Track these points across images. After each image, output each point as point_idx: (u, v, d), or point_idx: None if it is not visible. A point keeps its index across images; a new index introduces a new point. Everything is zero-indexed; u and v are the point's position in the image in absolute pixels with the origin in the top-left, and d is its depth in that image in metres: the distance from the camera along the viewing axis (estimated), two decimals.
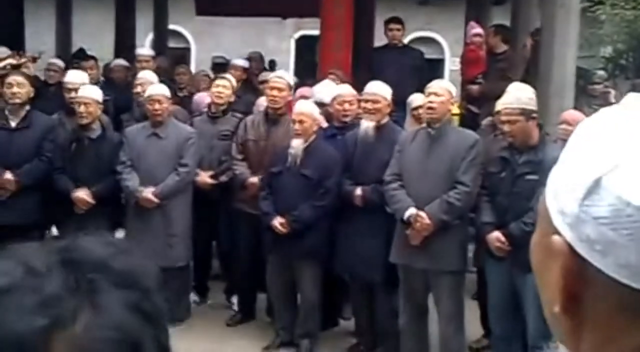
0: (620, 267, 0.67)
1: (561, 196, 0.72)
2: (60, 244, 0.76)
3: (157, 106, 5.74)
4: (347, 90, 5.85)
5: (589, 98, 8.27)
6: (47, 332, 0.68)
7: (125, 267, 0.75)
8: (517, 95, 4.77)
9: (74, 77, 6.57)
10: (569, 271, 0.71)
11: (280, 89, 5.75)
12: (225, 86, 6.16)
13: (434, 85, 5.07)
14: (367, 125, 5.26)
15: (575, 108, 7.14)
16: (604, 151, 0.70)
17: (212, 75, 8.27)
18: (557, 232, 0.72)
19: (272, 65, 12.42)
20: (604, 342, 0.72)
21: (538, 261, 0.76)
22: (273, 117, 5.79)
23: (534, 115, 4.67)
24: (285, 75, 6.16)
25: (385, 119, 5.36)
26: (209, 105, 6.27)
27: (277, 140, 5.69)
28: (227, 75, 6.63)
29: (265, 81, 6.53)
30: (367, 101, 5.33)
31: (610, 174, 0.68)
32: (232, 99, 6.25)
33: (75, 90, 6.05)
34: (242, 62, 8.49)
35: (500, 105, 4.87)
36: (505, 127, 4.70)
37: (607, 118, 0.73)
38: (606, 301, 0.70)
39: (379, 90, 5.36)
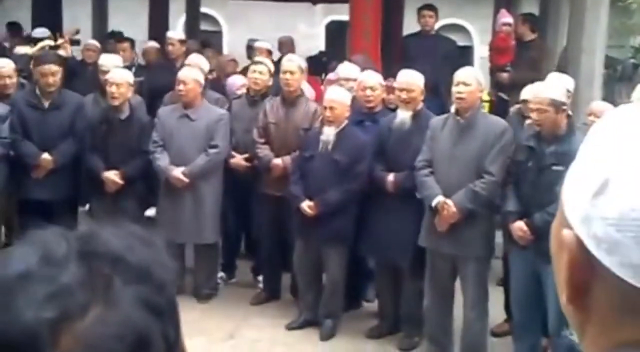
0: (624, 267, 0.69)
1: (574, 191, 0.73)
2: (82, 232, 0.76)
3: (181, 87, 5.82)
4: (369, 76, 5.82)
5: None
6: (55, 324, 0.68)
7: (141, 261, 0.74)
8: (550, 85, 4.77)
9: (108, 60, 6.70)
10: (576, 264, 0.73)
11: (292, 72, 5.83)
12: (261, 72, 6.19)
13: (462, 75, 5.01)
14: (403, 116, 5.26)
15: (605, 99, 7.13)
16: (615, 151, 0.71)
17: (237, 60, 8.37)
18: (569, 226, 0.73)
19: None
20: (600, 335, 0.74)
21: (553, 251, 0.78)
22: (290, 100, 5.87)
23: (564, 107, 4.60)
24: (295, 58, 6.19)
25: (420, 106, 5.34)
26: (248, 90, 6.31)
27: (296, 122, 5.80)
28: (264, 60, 6.63)
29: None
30: (401, 90, 5.31)
31: (618, 175, 0.69)
32: (270, 82, 6.25)
33: (108, 72, 6.16)
34: (266, 45, 8.53)
35: (530, 94, 4.86)
36: (534, 116, 4.67)
37: (622, 116, 0.74)
38: (609, 297, 0.72)
39: (412, 79, 5.33)
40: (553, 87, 4.79)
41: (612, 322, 0.72)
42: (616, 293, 0.70)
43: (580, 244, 0.72)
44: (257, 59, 6.74)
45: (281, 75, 5.89)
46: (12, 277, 0.70)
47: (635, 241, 0.68)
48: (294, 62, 5.95)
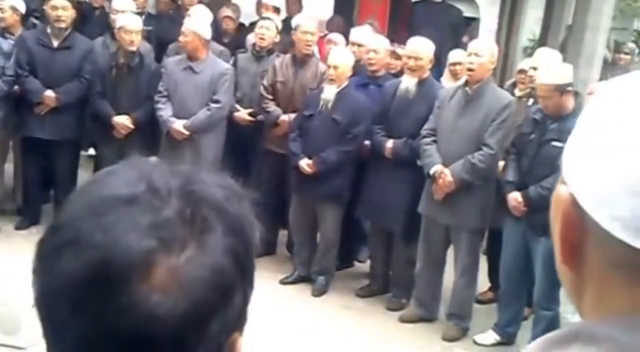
0: (613, 221, 0.66)
1: (573, 147, 0.72)
2: (185, 171, 0.76)
3: (181, 38, 5.81)
4: (374, 39, 5.89)
5: (614, 68, 8.33)
6: (153, 254, 0.68)
7: (237, 215, 0.75)
8: (552, 71, 4.72)
9: (120, 3, 6.64)
10: (569, 219, 0.70)
11: (312, 33, 5.88)
12: (268, 28, 6.19)
13: (475, 45, 5.03)
14: (408, 83, 5.28)
15: (600, 79, 7.20)
16: (614, 115, 0.68)
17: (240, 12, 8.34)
18: (564, 181, 0.72)
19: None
20: (599, 300, 0.70)
21: (552, 212, 0.74)
22: (301, 60, 5.90)
23: (569, 88, 4.60)
24: (312, 19, 6.23)
25: (426, 74, 5.36)
26: (254, 45, 6.32)
27: (304, 82, 5.83)
28: (271, 16, 6.63)
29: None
30: (409, 58, 5.31)
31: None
32: (277, 39, 6.27)
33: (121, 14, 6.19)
34: (274, 1, 8.48)
35: (536, 82, 4.85)
36: (540, 102, 4.68)
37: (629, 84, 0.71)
38: (601, 256, 0.68)
39: (421, 47, 5.33)
40: (556, 71, 4.75)
41: (607, 287, 0.69)
42: (608, 252, 0.67)
43: (573, 199, 0.70)
44: (265, 15, 6.73)
45: (299, 35, 5.90)
46: (118, 200, 0.70)
47: (626, 191, 0.65)
48: (313, 23, 5.99)
